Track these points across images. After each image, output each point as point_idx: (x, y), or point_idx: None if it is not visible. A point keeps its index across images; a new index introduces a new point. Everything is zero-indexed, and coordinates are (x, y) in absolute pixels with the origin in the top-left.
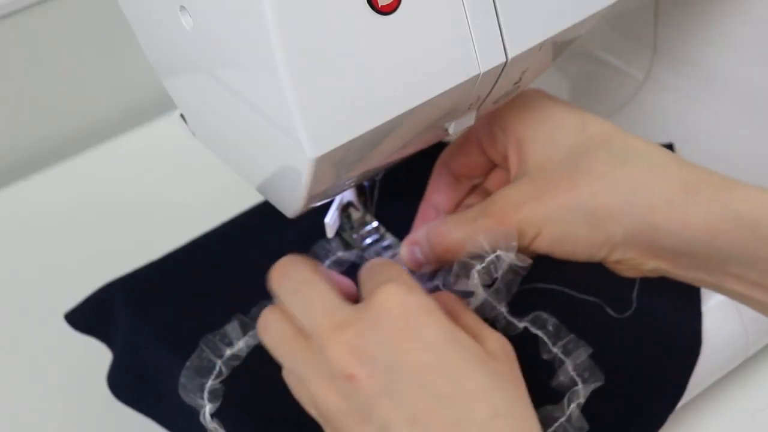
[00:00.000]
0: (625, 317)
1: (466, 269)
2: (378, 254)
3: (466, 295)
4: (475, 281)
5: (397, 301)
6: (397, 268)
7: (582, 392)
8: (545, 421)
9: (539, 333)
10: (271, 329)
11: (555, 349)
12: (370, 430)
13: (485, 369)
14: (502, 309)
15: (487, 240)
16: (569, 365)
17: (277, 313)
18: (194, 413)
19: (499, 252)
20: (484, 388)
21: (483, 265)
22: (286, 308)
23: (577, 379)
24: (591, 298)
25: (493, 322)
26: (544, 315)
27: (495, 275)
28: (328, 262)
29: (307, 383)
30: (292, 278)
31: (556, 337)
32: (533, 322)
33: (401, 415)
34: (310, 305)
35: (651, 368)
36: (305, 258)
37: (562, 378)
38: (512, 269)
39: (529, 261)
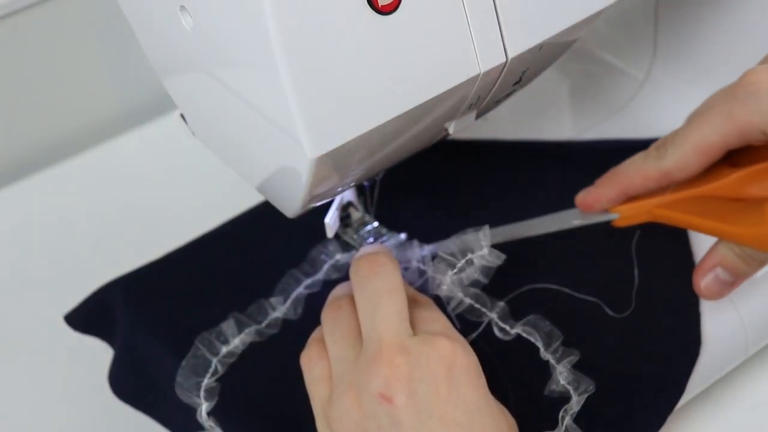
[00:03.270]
0: (624, 317)
1: (441, 274)
2: None
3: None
4: (445, 288)
5: (453, 352)
6: (446, 321)
7: (573, 404)
8: None
9: (531, 339)
10: (334, 307)
11: (548, 355)
12: None
13: None
14: (493, 315)
15: (456, 246)
16: (560, 373)
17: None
18: (193, 411)
19: (470, 256)
20: None
21: (454, 271)
22: (355, 300)
23: (569, 387)
24: (590, 298)
25: (486, 328)
26: (537, 319)
27: (466, 282)
28: (326, 266)
29: (336, 383)
30: (380, 278)
31: (549, 342)
32: (526, 325)
33: None
34: (380, 315)
35: (650, 368)
36: (395, 261)
37: (554, 386)
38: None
39: (503, 256)
